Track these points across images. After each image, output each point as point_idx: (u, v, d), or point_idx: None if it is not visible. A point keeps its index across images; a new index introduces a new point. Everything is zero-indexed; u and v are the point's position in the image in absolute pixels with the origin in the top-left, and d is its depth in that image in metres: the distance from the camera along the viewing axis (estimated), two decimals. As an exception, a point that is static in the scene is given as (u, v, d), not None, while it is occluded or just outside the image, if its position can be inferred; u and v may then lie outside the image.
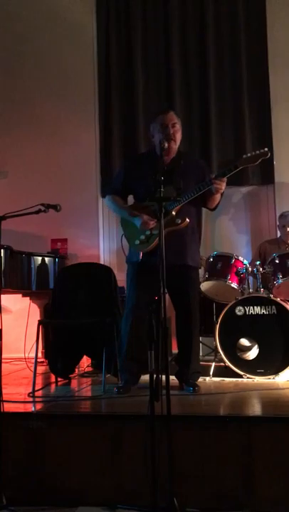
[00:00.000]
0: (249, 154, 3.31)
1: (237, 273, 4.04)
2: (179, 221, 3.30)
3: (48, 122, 5.73)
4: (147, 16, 5.65)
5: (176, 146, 3.47)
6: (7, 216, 2.81)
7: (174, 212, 3.29)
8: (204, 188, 3.29)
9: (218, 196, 3.44)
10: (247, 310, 3.81)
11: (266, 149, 3.29)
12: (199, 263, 3.67)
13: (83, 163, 5.64)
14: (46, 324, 4.27)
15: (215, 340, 3.90)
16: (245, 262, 4.11)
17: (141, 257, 3.39)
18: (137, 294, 3.44)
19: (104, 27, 5.71)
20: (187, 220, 3.30)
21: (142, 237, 3.40)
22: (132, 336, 3.42)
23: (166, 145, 3.11)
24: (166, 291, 2.46)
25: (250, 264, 4.17)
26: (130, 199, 3.71)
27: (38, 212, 2.92)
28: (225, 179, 3.28)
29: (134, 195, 3.62)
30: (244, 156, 3.33)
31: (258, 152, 3.28)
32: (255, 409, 3.13)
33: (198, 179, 3.39)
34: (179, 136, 3.48)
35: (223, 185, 3.29)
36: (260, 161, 3.32)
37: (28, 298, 4.89)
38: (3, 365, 2.66)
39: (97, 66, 5.72)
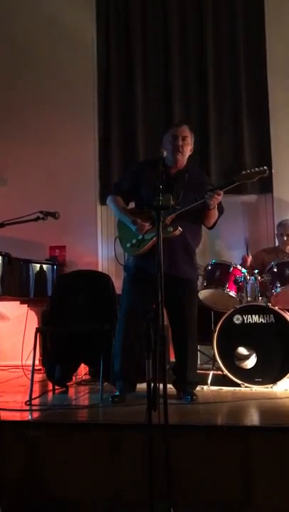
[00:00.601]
0: (248, 171, 3.35)
1: (235, 281, 4.04)
2: (171, 229, 3.30)
3: (47, 130, 5.74)
4: (147, 22, 5.68)
5: (183, 159, 3.48)
6: (6, 223, 2.82)
7: (167, 221, 3.30)
8: (200, 199, 3.29)
9: (213, 213, 3.44)
10: (245, 318, 3.81)
11: (265, 167, 3.33)
12: (194, 274, 3.63)
13: (82, 171, 5.65)
14: (44, 331, 4.25)
15: (213, 348, 3.89)
16: (244, 270, 4.11)
17: (131, 262, 3.41)
18: (131, 300, 3.45)
19: (104, 34, 5.74)
20: (180, 228, 3.29)
21: (134, 241, 3.41)
22: (125, 342, 3.42)
23: (164, 153, 3.11)
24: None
25: (247, 272, 4.16)
26: (131, 206, 3.72)
27: (36, 219, 2.92)
28: (221, 193, 3.28)
29: (137, 200, 3.63)
30: (243, 172, 3.36)
31: (256, 170, 3.32)
32: (254, 418, 3.12)
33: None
34: (187, 150, 3.49)
35: (219, 198, 3.30)
36: (257, 178, 3.36)
37: (26, 305, 4.88)
38: (0, 372, 2.65)
39: (97, 74, 5.74)
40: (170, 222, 3.31)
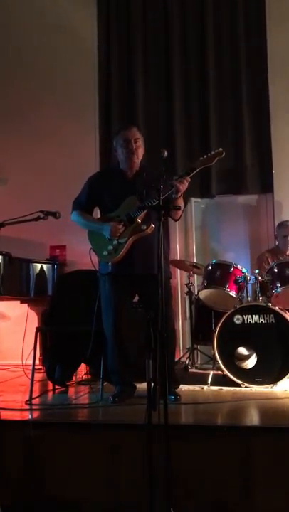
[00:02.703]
0: (206, 156, 3.40)
1: (236, 281, 4.04)
2: (144, 227, 3.34)
3: (47, 129, 5.74)
4: (148, 23, 5.69)
5: (138, 160, 3.53)
6: (6, 223, 2.82)
7: (138, 220, 3.35)
8: (168, 190, 3.26)
9: (180, 201, 3.42)
10: (245, 319, 3.81)
11: (220, 149, 3.40)
12: (169, 273, 3.62)
13: (83, 170, 5.55)
14: (44, 331, 4.25)
15: (213, 348, 3.89)
16: (244, 270, 4.11)
17: (110, 269, 3.44)
18: (115, 303, 3.46)
19: (104, 31, 5.75)
20: (152, 225, 3.32)
21: (110, 247, 3.44)
22: (118, 344, 3.43)
23: (165, 153, 3.09)
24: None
25: (251, 273, 4.15)
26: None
27: (37, 219, 2.92)
28: (188, 178, 3.30)
29: (101, 208, 3.67)
30: (201, 158, 3.42)
31: (212, 153, 3.39)
32: (254, 418, 3.13)
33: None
34: (141, 151, 3.54)
35: (186, 184, 3.31)
36: (216, 160, 3.41)
37: (26, 305, 4.88)
38: (0, 371, 2.65)
39: (98, 72, 5.74)
40: (142, 221, 3.35)
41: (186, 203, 3.60)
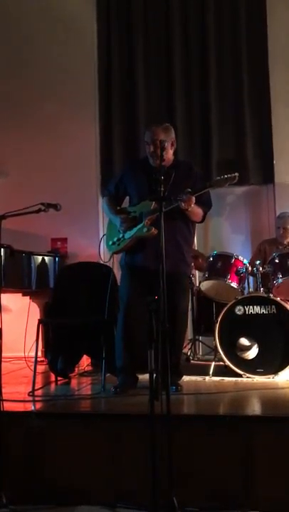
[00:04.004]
0: (221, 177, 3.41)
1: (237, 272, 4.04)
2: (145, 230, 3.38)
3: (48, 122, 5.72)
4: (148, 17, 5.64)
5: (159, 161, 3.28)
6: (7, 215, 2.82)
7: (146, 223, 3.39)
8: (175, 203, 3.27)
9: (192, 212, 3.42)
10: (247, 309, 3.81)
11: (236, 174, 3.37)
12: (185, 269, 3.61)
13: (83, 163, 5.64)
14: (46, 323, 4.26)
15: (215, 339, 3.90)
16: (245, 261, 4.12)
17: (124, 258, 3.54)
18: (127, 294, 3.49)
19: (105, 26, 5.70)
20: (154, 231, 3.30)
21: (115, 239, 3.54)
22: (126, 337, 3.44)
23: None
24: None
25: (249, 263, 4.16)
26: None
27: (38, 211, 2.92)
28: (192, 198, 3.29)
29: (130, 198, 3.69)
30: (217, 178, 3.47)
31: (226, 176, 3.37)
32: (255, 408, 3.14)
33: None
34: (166, 152, 3.38)
35: (190, 203, 3.29)
36: (227, 184, 3.41)
37: (28, 297, 4.88)
38: (3, 364, 2.67)
39: (98, 65, 5.71)
40: (148, 224, 3.38)
41: (208, 207, 3.59)
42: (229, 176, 3.36)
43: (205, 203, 3.51)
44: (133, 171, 3.67)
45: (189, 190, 3.31)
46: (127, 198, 3.73)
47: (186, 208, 3.31)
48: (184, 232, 3.54)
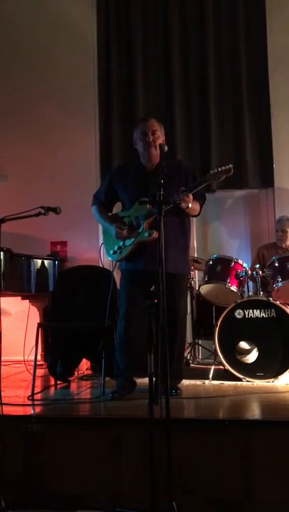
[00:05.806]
0: (215, 170, 3.33)
1: (237, 276, 4.04)
2: (146, 234, 3.35)
3: (47, 124, 5.73)
4: (147, 18, 5.67)
5: (157, 151, 3.37)
6: (7, 219, 2.82)
7: (145, 227, 3.36)
8: (172, 203, 3.23)
9: (191, 209, 3.40)
10: (246, 313, 3.81)
11: (230, 166, 3.29)
12: (185, 269, 3.63)
13: (83, 166, 5.65)
14: (46, 327, 4.26)
15: (214, 343, 3.90)
16: (245, 265, 4.12)
17: (125, 264, 3.48)
18: (127, 298, 3.47)
19: (104, 28, 5.73)
20: (155, 235, 3.29)
21: (116, 247, 3.48)
22: (124, 341, 3.43)
23: (166, 148, 3.07)
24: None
25: (249, 268, 4.17)
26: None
27: (37, 215, 2.93)
28: (190, 195, 3.27)
29: (121, 203, 3.66)
30: (211, 172, 3.37)
31: (221, 169, 3.30)
32: (255, 412, 3.13)
33: (182, 186, 3.37)
34: (159, 142, 3.38)
35: (189, 201, 3.28)
36: (224, 177, 3.33)
37: (27, 300, 4.88)
38: (2, 367, 2.67)
39: (97, 68, 5.73)
40: (149, 226, 3.35)
41: (203, 200, 3.55)
42: (224, 168, 3.28)
43: (200, 197, 3.49)
44: (123, 175, 3.60)
45: (184, 188, 3.29)
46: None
47: (186, 206, 3.30)
48: (182, 229, 3.52)
